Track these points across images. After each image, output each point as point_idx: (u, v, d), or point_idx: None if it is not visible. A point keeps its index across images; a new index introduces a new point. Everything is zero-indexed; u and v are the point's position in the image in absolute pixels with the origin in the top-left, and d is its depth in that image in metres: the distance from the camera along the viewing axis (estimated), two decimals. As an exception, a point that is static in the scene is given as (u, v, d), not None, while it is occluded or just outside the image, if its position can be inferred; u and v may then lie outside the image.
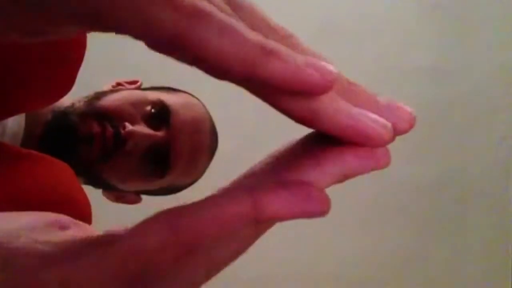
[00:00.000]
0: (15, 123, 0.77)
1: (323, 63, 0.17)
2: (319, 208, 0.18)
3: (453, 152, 1.99)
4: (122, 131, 0.78)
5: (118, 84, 0.90)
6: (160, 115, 0.82)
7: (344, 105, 0.18)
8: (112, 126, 0.78)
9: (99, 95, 0.82)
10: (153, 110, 0.81)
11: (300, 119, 0.18)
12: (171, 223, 0.17)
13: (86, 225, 0.22)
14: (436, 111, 1.98)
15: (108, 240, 0.18)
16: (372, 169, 0.19)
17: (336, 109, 0.18)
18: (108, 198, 0.90)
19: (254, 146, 2.03)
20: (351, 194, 1.95)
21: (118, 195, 0.89)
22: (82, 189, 0.73)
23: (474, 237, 1.98)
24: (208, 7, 0.16)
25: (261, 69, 0.16)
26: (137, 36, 0.16)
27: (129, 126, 0.78)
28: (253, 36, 0.16)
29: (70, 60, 0.65)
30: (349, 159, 0.19)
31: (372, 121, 0.18)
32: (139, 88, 0.90)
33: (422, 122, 1.68)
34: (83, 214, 0.69)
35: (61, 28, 0.17)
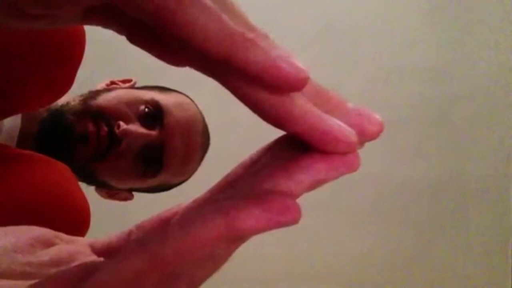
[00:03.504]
0: (11, 121, 0.77)
1: (298, 62, 0.18)
2: (292, 218, 0.18)
3: (453, 152, 1.99)
4: (117, 130, 0.79)
5: (112, 83, 0.91)
6: (154, 114, 0.83)
7: (315, 108, 0.18)
8: (107, 125, 0.79)
9: (94, 94, 0.83)
10: (147, 110, 0.82)
11: (272, 118, 0.18)
12: (150, 253, 0.18)
13: (73, 238, 0.22)
14: (436, 111, 1.98)
15: (86, 272, 0.18)
16: (344, 174, 0.19)
17: (307, 111, 0.18)
18: (100, 195, 0.91)
19: (254, 146, 2.03)
20: (351, 194, 1.95)
21: (111, 193, 0.90)
22: (80, 190, 0.73)
23: (474, 237, 1.98)
24: None
25: (240, 53, 0.17)
26: (129, 7, 0.17)
27: (123, 125, 0.79)
28: (236, 23, 0.17)
29: (69, 60, 0.66)
30: (320, 166, 0.19)
31: (340, 126, 0.18)
32: (133, 87, 0.91)
33: (422, 122, 1.70)
34: (81, 214, 0.69)
35: (61, 10, 0.18)
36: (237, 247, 0.20)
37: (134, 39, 0.20)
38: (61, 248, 0.22)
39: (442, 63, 2.00)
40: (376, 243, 1.94)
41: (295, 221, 0.18)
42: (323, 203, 1.93)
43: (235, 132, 1.81)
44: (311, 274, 1.91)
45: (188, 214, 0.19)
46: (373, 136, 0.20)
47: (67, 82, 0.70)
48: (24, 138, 0.79)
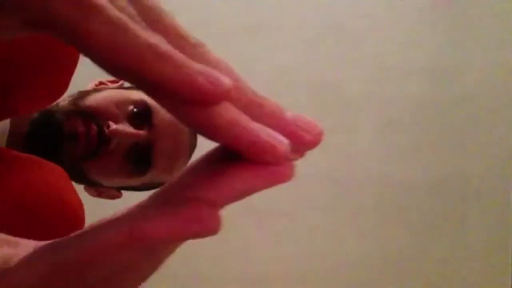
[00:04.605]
0: (1, 121, 0.78)
1: (217, 74, 0.17)
2: (203, 228, 0.17)
3: (453, 152, 1.99)
4: (106, 130, 0.80)
5: (101, 83, 0.93)
6: (143, 114, 0.84)
7: (242, 118, 0.18)
8: (96, 125, 0.80)
9: (83, 94, 0.85)
10: (135, 110, 0.84)
11: (197, 129, 0.18)
12: (53, 257, 0.18)
13: (19, 241, 0.22)
14: (436, 111, 1.99)
15: None
16: (274, 185, 0.19)
17: (231, 121, 0.18)
18: (89, 193, 0.92)
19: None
20: (351, 194, 1.95)
21: (100, 191, 0.92)
22: (75, 191, 0.74)
23: (474, 237, 1.98)
24: (103, 2, 0.16)
25: (150, 68, 0.16)
26: (35, 22, 0.17)
27: (113, 125, 0.80)
28: (147, 36, 0.17)
29: (65, 64, 0.66)
30: (247, 176, 0.18)
31: (269, 136, 0.18)
32: (121, 87, 0.92)
33: (422, 122, 1.70)
34: (76, 216, 0.70)
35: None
36: (168, 251, 0.20)
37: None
38: (11, 249, 0.22)
39: (442, 63, 2.00)
40: (376, 243, 1.95)
41: (207, 230, 0.17)
42: (323, 203, 1.93)
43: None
44: (311, 274, 1.91)
45: (104, 221, 0.19)
46: (311, 146, 0.20)
47: (63, 85, 0.71)
48: (14, 138, 0.80)
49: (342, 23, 1.97)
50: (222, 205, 0.19)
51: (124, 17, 0.17)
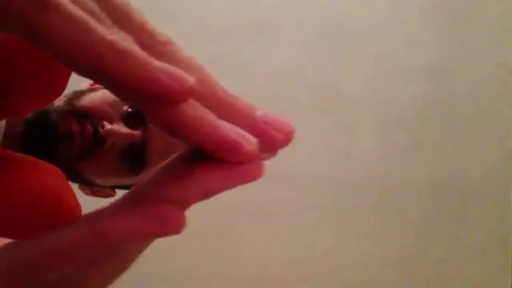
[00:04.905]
0: None
1: (180, 71, 0.17)
2: (165, 227, 0.17)
3: (453, 152, 1.99)
4: (101, 130, 0.81)
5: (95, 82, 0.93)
6: (137, 114, 0.85)
7: (209, 117, 0.18)
8: (91, 125, 0.81)
9: (78, 94, 0.85)
10: (130, 110, 0.84)
11: (163, 128, 0.18)
12: (7, 259, 0.18)
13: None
14: (436, 111, 1.99)
15: None
16: (241, 184, 0.19)
17: (197, 119, 0.18)
18: (84, 192, 0.93)
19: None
20: (351, 194, 1.95)
21: (94, 190, 0.93)
22: (72, 191, 0.74)
23: (474, 237, 1.98)
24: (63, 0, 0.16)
25: (109, 66, 0.16)
26: None
27: (107, 126, 0.81)
28: (106, 33, 0.17)
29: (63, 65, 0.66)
30: (213, 175, 0.18)
31: (236, 134, 0.18)
32: None
33: (422, 122, 1.69)
34: (73, 215, 0.70)
35: None
36: (127, 257, 0.20)
37: None
38: None
39: (442, 63, 2.00)
40: (376, 243, 1.95)
41: (169, 229, 0.17)
42: (323, 203, 1.93)
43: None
44: (311, 274, 1.91)
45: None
46: (281, 144, 0.20)
47: (61, 85, 0.71)
48: (9, 137, 0.80)
49: (342, 23, 1.97)
50: (187, 204, 0.18)
51: (83, 14, 0.16)
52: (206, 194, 0.19)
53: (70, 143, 0.80)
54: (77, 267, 0.18)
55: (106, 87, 0.17)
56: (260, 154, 0.19)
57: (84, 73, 0.17)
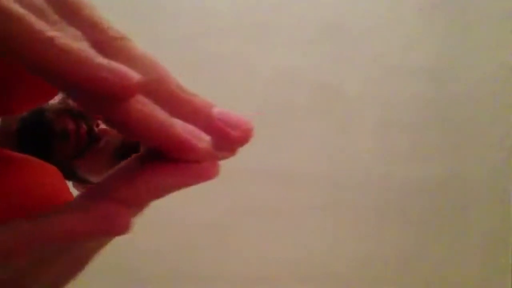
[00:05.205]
0: None
1: (123, 68, 0.16)
2: (111, 227, 0.17)
3: (453, 152, 1.99)
4: (96, 129, 0.82)
5: None
6: None
7: (159, 115, 0.17)
8: (86, 124, 0.81)
9: None
10: None
11: (112, 125, 0.17)
12: None
13: None
14: (436, 111, 1.99)
15: None
16: (195, 183, 0.19)
17: (147, 117, 0.17)
18: (78, 190, 0.94)
19: (253, 146, 2.03)
20: (351, 194, 1.95)
21: (88, 188, 0.93)
22: (69, 192, 0.74)
23: (474, 237, 1.98)
24: None
25: (48, 62, 0.16)
26: None
27: (102, 124, 0.82)
28: (45, 28, 0.16)
29: None
30: (163, 174, 0.18)
31: (187, 132, 0.18)
32: None
33: (422, 122, 1.69)
34: None
35: None
36: (80, 256, 0.20)
37: None
38: None
39: (442, 63, 2.00)
40: (376, 243, 1.95)
41: (114, 228, 0.17)
42: (323, 203, 1.93)
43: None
44: (311, 274, 1.91)
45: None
46: (238, 142, 0.19)
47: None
48: (4, 135, 0.81)
49: (342, 23, 1.97)
50: (138, 203, 0.18)
51: (21, 10, 0.16)
52: (159, 193, 0.18)
53: (65, 142, 0.81)
54: (24, 264, 0.18)
55: (53, 85, 0.17)
56: (217, 153, 0.19)
57: (28, 70, 0.16)
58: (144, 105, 0.17)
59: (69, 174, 0.86)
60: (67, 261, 0.20)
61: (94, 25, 0.18)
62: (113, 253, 2.07)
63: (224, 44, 1.87)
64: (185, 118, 0.18)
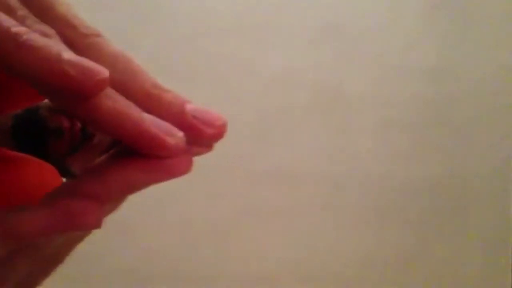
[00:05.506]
0: None
1: (91, 64, 0.16)
2: (78, 222, 0.17)
3: (453, 152, 1.99)
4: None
5: None
6: None
7: (130, 110, 0.17)
8: (80, 122, 0.82)
9: None
10: None
11: (83, 121, 0.18)
12: None
13: None
14: (436, 111, 1.98)
15: None
16: (167, 179, 0.18)
17: (117, 113, 0.17)
18: None
19: (253, 146, 2.04)
20: (351, 194, 1.95)
21: None
22: None
23: (474, 237, 1.98)
24: None
25: (14, 59, 0.16)
26: None
27: None
28: (11, 24, 0.16)
29: None
30: (132, 170, 0.18)
31: (158, 128, 0.17)
32: None
33: (422, 122, 1.69)
34: None
35: None
36: (47, 254, 0.20)
37: None
38: None
39: (442, 63, 2.00)
40: (376, 243, 1.94)
41: (82, 224, 0.17)
42: (323, 203, 1.93)
43: (234, 132, 1.81)
44: (311, 274, 1.91)
45: None
46: (211, 138, 0.19)
47: None
48: None
49: (343, 23, 1.97)
50: (108, 199, 0.18)
51: None
52: (130, 189, 0.18)
53: (59, 139, 0.81)
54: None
55: (22, 79, 0.17)
56: (192, 149, 0.19)
57: None
58: (115, 101, 0.17)
59: (63, 172, 0.86)
60: (37, 258, 0.20)
61: (67, 22, 0.18)
62: (113, 253, 2.07)
63: (224, 44, 1.87)
64: (159, 114, 0.18)
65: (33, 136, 0.81)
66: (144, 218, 1.77)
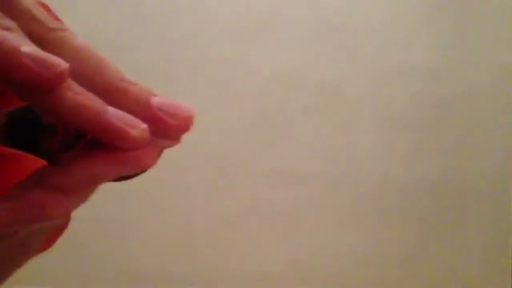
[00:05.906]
0: None
1: (50, 56, 0.16)
2: (41, 213, 0.17)
3: (453, 152, 1.99)
4: None
5: None
6: None
7: (92, 102, 0.17)
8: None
9: None
10: None
11: (45, 113, 0.17)
12: None
13: None
14: (436, 111, 1.98)
15: None
16: (132, 171, 0.18)
17: (79, 105, 0.17)
18: None
19: (253, 146, 2.04)
20: (351, 194, 1.95)
21: None
22: None
23: (474, 237, 1.98)
24: None
25: None
26: None
27: None
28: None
29: None
30: (96, 161, 0.18)
31: (120, 120, 0.18)
32: None
33: (422, 122, 1.70)
34: None
35: None
36: (11, 246, 0.20)
37: None
38: None
39: (442, 63, 2.00)
40: (376, 243, 1.94)
41: (45, 215, 0.17)
42: (323, 203, 1.93)
43: (234, 132, 1.81)
44: (311, 274, 1.91)
45: None
46: (176, 130, 0.19)
47: None
48: None
49: (343, 23, 1.97)
50: (73, 191, 0.18)
51: None
52: (96, 180, 0.18)
53: (53, 136, 0.81)
54: None
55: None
56: (158, 141, 0.19)
57: None
58: (77, 94, 0.17)
59: None
60: (4, 247, 0.20)
61: (32, 16, 0.18)
62: (114, 253, 2.07)
63: (224, 44, 1.87)
64: (125, 107, 0.18)
65: (27, 132, 0.81)
66: (144, 218, 1.77)
